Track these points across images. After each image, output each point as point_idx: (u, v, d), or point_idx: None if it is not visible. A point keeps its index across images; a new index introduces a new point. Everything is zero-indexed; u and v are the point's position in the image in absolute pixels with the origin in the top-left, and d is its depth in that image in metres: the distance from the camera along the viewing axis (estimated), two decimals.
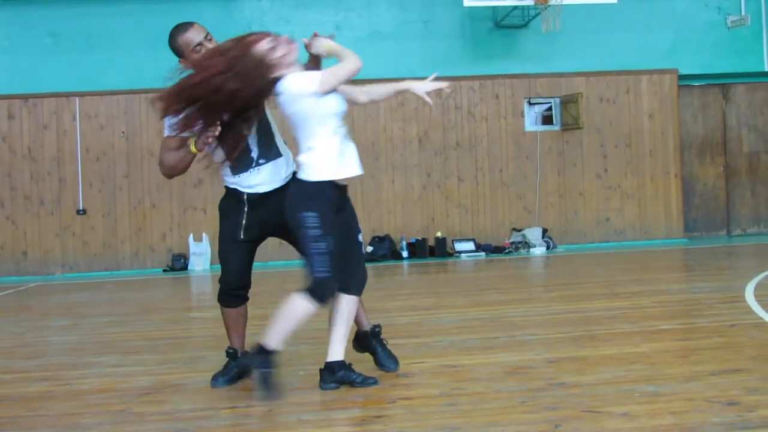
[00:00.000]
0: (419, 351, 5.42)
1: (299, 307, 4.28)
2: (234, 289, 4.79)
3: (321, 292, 4.29)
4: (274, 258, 12.76)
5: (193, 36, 4.59)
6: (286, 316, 4.30)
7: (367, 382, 4.48)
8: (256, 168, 4.65)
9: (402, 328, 6.38)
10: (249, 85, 4.25)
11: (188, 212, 13.04)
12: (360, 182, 13.00)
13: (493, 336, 5.85)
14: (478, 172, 13.31)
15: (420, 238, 12.84)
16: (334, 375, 4.46)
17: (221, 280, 4.81)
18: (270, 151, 4.68)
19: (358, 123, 13.02)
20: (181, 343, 6.26)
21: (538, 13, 12.37)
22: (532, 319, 6.56)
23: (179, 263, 12.67)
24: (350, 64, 4.34)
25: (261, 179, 4.66)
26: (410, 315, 7.09)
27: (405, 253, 12.70)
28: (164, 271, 12.77)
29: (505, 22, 12.97)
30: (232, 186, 4.71)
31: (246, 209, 4.68)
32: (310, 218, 4.28)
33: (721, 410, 3.78)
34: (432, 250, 12.79)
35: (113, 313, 8.30)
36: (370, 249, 12.59)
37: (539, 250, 12.67)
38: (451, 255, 12.77)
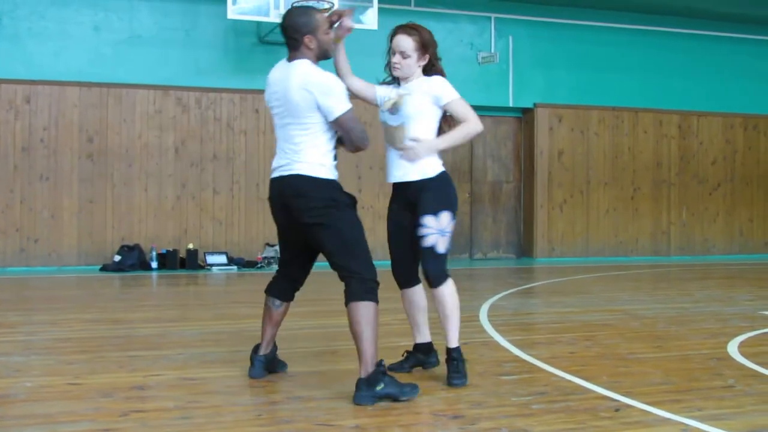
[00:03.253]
0: (158, 363, 5.30)
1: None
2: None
3: None
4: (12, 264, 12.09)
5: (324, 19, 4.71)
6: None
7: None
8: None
9: (143, 340, 6.21)
10: None
11: None
12: (111, 188, 12.56)
13: (236, 350, 5.81)
14: (235, 186, 13.22)
15: (171, 249, 12.56)
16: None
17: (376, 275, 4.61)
18: None
19: (112, 128, 12.57)
20: None
21: None
22: (278, 334, 6.55)
23: None
24: None
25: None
26: (153, 326, 6.91)
27: (154, 264, 12.37)
28: None
29: (268, 38, 13.01)
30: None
31: None
32: None
33: (446, 423, 3.96)
34: (183, 262, 12.55)
35: None
36: (118, 258, 12.17)
37: None
38: (202, 267, 12.59)
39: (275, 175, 4.68)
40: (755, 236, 16.46)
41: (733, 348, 6.00)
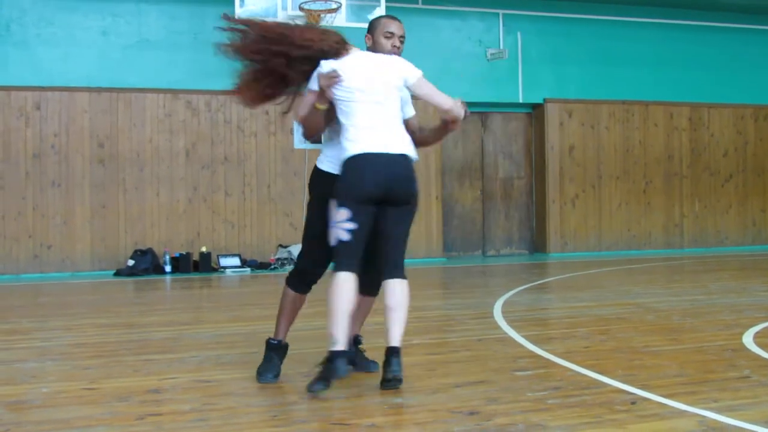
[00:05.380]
0: (173, 366, 5.31)
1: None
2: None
3: None
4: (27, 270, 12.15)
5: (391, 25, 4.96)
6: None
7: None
8: None
9: (157, 344, 6.23)
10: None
11: None
12: (123, 193, 12.60)
13: (250, 351, 5.81)
14: (246, 188, 13.24)
15: (184, 253, 12.59)
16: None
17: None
18: None
19: (122, 132, 12.62)
20: None
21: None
22: (292, 334, 6.53)
23: None
24: None
25: None
26: (167, 330, 6.93)
27: (168, 268, 12.41)
28: None
29: None
30: None
31: None
32: None
33: (462, 420, 3.95)
34: (196, 265, 12.58)
35: None
36: (131, 263, 12.20)
37: None
38: (215, 270, 12.61)
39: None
40: None
41: (748, 339, 5.97)
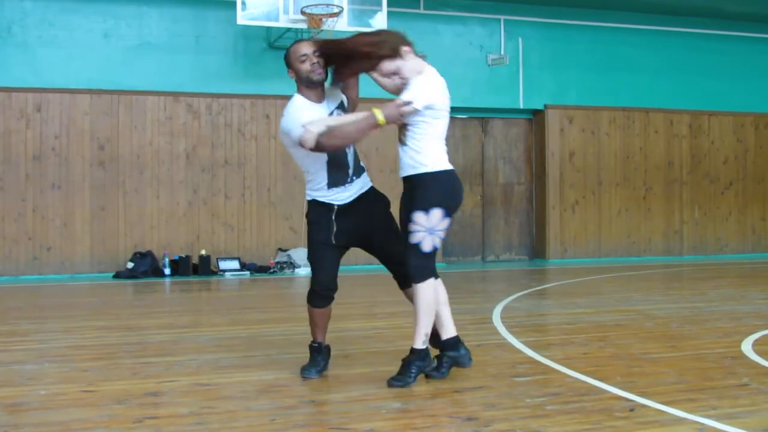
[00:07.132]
0: (172, 369, 5.31)
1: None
2: (325, 290, 5.06)
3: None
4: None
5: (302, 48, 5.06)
6: (423, 311, 4.70)
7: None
8: (349, 184, 5.10)
9: (156, 346, 6.23)
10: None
11: None
12: (123, 195, 12.59)
13: (249, 355, 5.82)
14: (246, 191, 13.24)
15: (183, 256, 12.58)
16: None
17: (313, 282, 5.06)
18: (359, 170, 5.23)
19: (123, 134, 12.62)
20: None
21: (311, 37, 12.52)
22: (292, 338, 6.57)
23: None
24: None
25: (350, 193, 5.11)
26: (166, 333, 6.92)
27: (167, 270, 12.40)
28: None
29: (278, 43, 13.02)
30: (321, 199, 5.07)
31: (334, 218, 5.06)
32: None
33: (460, 425, 3.95)
34: (195, 268, 12.57)
35: None
36: (130, 265, 12.20)
37: (304, 271, 12.75)
38: (215, 273, 12.61)
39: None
40: None
41: (747, 346, 5.97)
